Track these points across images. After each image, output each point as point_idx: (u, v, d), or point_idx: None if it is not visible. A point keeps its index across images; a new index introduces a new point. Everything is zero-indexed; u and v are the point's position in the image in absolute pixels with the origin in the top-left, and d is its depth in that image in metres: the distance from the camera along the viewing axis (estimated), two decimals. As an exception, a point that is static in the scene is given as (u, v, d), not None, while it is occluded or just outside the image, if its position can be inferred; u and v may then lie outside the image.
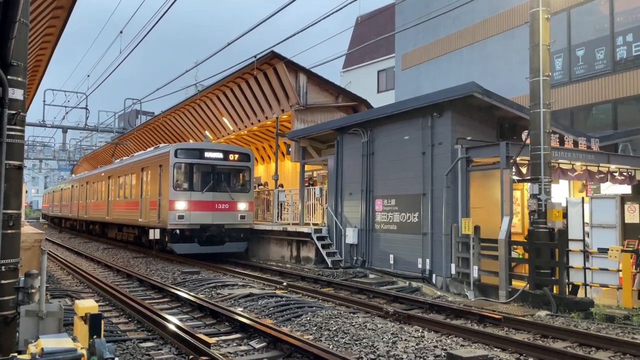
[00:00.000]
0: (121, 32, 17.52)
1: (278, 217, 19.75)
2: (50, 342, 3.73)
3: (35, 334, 4.83)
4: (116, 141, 35.99)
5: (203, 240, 17.74)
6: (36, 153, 52.66)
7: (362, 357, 6.84)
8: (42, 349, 3.59)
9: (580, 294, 10.59)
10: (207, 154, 18.27)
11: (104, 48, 20.09)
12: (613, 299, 10.41)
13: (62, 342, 3.79)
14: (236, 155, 18.94)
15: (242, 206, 18.60)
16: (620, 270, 10.07)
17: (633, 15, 16.73)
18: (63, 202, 40.61)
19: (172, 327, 7.88)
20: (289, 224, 18.87)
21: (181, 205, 17.43)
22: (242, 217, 18.58)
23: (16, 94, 5.58)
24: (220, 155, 18.51)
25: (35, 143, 49.86)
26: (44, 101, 28.32)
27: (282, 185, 21.50)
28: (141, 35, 14.38)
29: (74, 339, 4.09)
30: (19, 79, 5.63)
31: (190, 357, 6.74)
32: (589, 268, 10.62)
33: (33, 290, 5.33)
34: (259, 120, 23.06)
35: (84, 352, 3.74)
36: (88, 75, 26.03)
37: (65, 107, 29.19)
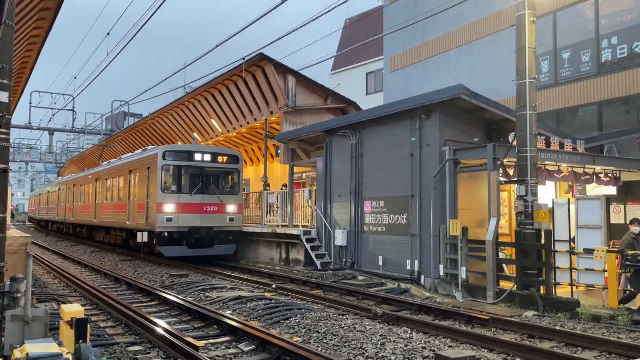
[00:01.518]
0: (108, 34, 17.41)
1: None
2: (36, 347, 3.70)
3: (20, 339, 4.78)
4: (104, 143, 35.73)
5: (192, 243, 17.65)
6: (22, 156, 52.10)
7: (351, 359, 6.85)
8: (27, 354, 3.56)
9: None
10: (195, 156, 18.19)
11: (91, 50, 19.97)
12: (599, 299, 10.54)
13: (48, 347, 3.76)
14: (225, 158, 18.88)
15: (231, 208, 18.55)
16: (606, 271, 10.20)
17: (618, 18, 16.95)
18: (50, 205, 40.21)
19: (160, 330, 7.84)
20: (278, 226, 18.85)
21: (169, 207, 17.34)
22: (231, 220, 18.52)
23: (1, 96, 5.54)
24: (209, 157, 18.44)
25: (21, 146, 49.35)
26: (30, 103, 28.07)
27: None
28: (129, 37, 14.31)
29: (60, 344, 4.06)
30: (4, 81, 5.59)
31: (179, 360, 6.71)
32: (575, 268, 10.74)
33: (19, 295, 5.28)
34: (248, 123, 23.03)
35: (70, 357, 3.72)
36: (75, 78, 25.85)
37: (52, 109, 28.96)
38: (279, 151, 20.74)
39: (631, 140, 15.56)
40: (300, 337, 8.00)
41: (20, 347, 3.90)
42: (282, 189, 20.53)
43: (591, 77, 17.33)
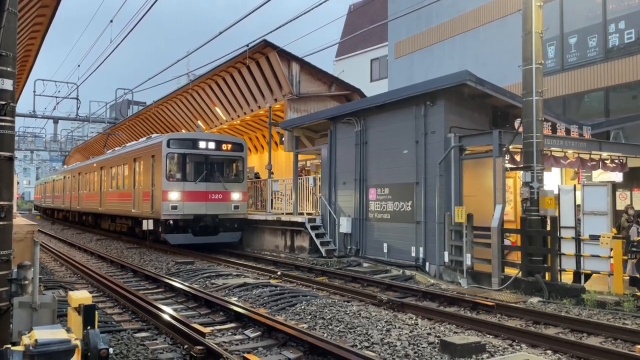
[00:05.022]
0: (111, 21, 17.31)
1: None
2: (44, 334, 3.71)
3: (28, 326, 4.81)
4: (108, 131, 35.73)
5: (197, 230, 17.70)
6: (27, 144, 52.26)
7: (356, 345, 6.88)
8: (35, 340, 3.58)
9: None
10: (200, 144, 18.17)
11: (95, 37, 19.89)
12: (604, 285, 10.53)
13: (56, 333, 3.78)
14: (229, 145, 18.86)
15: (236, 196, 18.56)
16: (612, 257, 10.18)
17: (625, 2, 16.73)
18: (55, 194, 40.39)
19: (166, 317, 7.89)
20: (282, 213, 18.88)
21: (174, 195, 17.37)
22: (236, 207, 18.54)
23: (5, 84, 5.51)
24: (213, 145, 18.42)
25: (26, 134, 49.47)
26: (34, 91, 28.11)
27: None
28: (132, 24, 14.22)
29: (68, 330, 4.08)
30: (8, 69, 5.56)
31: (185, 346, 6.76)
32: (580, 255, 10.72)
33: (26, 282, 5.30)
34: (252, 110, 22.95)
35: (78, 343, 3.74)
36: (79, 65, 25.80)
37: (56, 97, 28.96)
38: (283, 139, 20.67)
39: (638, 126, 15.44)
40: (305, 323, 8.03)
41: (28, 333, 3.92)
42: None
43: (598, 62, 17.16)
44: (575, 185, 11.71)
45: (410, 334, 7.32)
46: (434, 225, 12.94)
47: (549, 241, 10.76)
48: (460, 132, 12.75)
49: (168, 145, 17.69)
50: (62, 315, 6.86)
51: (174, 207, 17.32)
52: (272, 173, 21.35)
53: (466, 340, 6.66)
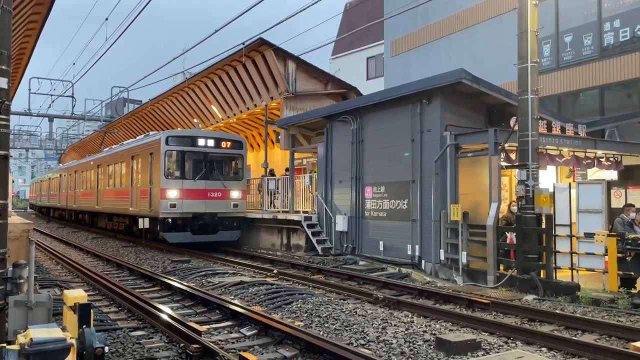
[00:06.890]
0: (106, 19, 17.24)
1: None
2: (40, 332, 3.73)
3: (24, 325, 4.82)
4: (104, 129, 35.64)
5: (195, 229, 17.61)
6: (22, 142, 52.02)
7: (352, 343, 6.90)
8: (31, 339, 3.59)
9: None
10: (199, 142, 18.03)
11: (90, 34, 19.83)
12: (599, 283, 10.58)
13: (52, 332, 3.79)
14: (229, 143, 18.76)
15: (235, 194, 18.49)
16: (606, 255, 10.23)
17: (620, 1, 16.78)
18: (51, 192, 40.26)
19: (163, 315, 7.89)
20: (279, 211, 18.88)
21: (173, 193, 17.28)
22: (235, 206, 18.47)
23: (0, 82, 5.50)
24: (212, 142, 18.30)
25: (21, 132, 49.24)
26: (29, 89, 28.03)
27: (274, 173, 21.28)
28: (127, 22, 14.18)
29: (64, 329, 4.09)
30: (3, 67, 5.55)
31: (182, 345, 6.76)
32: (575, 252, 10.78)
33: (21, 281, 5.31)
34: (248, 108, 22.95)
35: (74, 341, 3.75)
36: (74, 63, 25.68)
37: (51, 95, 28.87)
38: (280, 137, 20.68)
39: (632, 124, 15.50)
40: (301, 321, 8.05)
41: (24, 332, 3.93)
42: (285, 173, 20.57)
43: (593, 60, 17.22)
44: (570, 183, 11.76)
45: (406, 332, 7.35)
46: (429, 223, 12.97)
47: (544, 239, 10.80)
48: (456, 131, 12.77)
49: (167, 143, 17.58)
50: (57, 314, 6.85)
51: (173, 205, 17.25)
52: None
53: (461, 338, 6.69)
